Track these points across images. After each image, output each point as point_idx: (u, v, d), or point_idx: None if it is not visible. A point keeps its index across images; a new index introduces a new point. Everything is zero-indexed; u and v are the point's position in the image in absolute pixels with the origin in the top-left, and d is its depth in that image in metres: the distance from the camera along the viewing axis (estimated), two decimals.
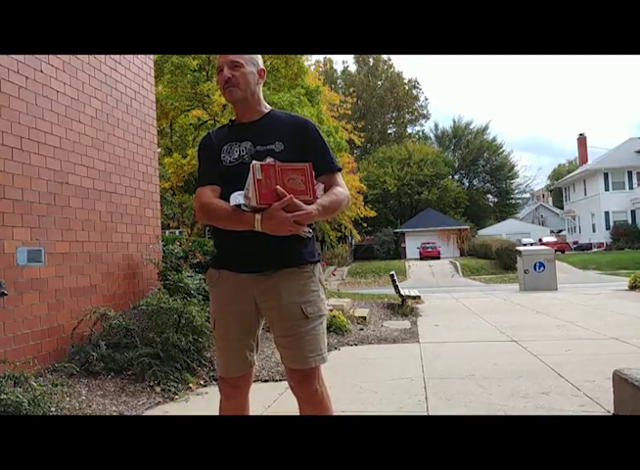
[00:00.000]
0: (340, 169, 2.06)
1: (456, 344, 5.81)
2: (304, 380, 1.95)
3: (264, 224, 1.77)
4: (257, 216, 1.77)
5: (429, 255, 36.19)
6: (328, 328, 6.41)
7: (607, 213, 35.66)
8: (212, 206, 1.92)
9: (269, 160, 1.85)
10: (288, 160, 1.87)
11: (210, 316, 2.12)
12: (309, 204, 1.79)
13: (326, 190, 1.94)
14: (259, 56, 2.06)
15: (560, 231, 46.99)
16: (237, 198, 1.84)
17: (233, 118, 2.13)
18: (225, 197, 1.92)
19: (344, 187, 2.01)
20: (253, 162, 1.78)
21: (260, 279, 1.95)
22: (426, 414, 3.28)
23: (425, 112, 55.15)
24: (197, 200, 1.99)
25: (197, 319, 4.40)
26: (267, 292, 1.95)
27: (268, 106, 2.11)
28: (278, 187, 1.74)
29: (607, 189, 36.22)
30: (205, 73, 15.03)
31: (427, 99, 72.90)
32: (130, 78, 5.78)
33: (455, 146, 53.51)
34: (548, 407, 3.31)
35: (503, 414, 3.17)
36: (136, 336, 4.38)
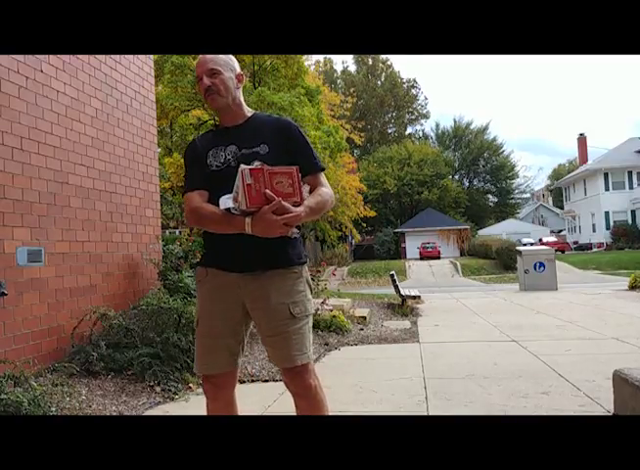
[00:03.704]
0: (323, 169, 2.11)
1: (456, 344, 5.81)
2: (297, 376, 1.98)
3: (255, 227, 1.81)
4: (247, 220, 1.81)
5: (429, 255, 36.18)
6: (328, 328, 6.44)
7: (607, 213, 35.65)
8: (203, 210, 1.96)
9: (257, 163, 1.88)
10: (273, 161, 1.90)
11: (195, 314, 2.16)
12: (297, 205, 1.83)
13: (311, 190, 1.98)
14: (235, 61, 2.11)
15: (560, 231, 46.97)
16: (226, 201, 1.86)
17: (217, 124, 2.17)
18: (213, 201, 1.96)
19: (329, 187, 2.06)
20: (243, 166, 1.80)
21: (248, 279, 1.98)
22: (426, 414, 3.27)
23: (424, 111, 55.21)
24: (186, 205, 2.03)
25: None
26: (255, 292, 1.98)
27: (250, 109, 2.15)
28: (267, 191, 1.78)
29: (607, 189, 36.20)
30: None
31: (426, 98, 72.90)
32: (130, 78, 5.78)
33: (455, 146, 53.53)
34: (548, 407, 3.31)
35: (503, 414, 3.17)
36: (136, 336, 4.37)
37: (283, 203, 1.78)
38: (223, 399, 2.11)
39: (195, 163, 2.08)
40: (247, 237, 1.85)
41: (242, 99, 2.12)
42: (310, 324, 2.05)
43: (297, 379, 1.98)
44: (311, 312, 2.06)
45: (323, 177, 2.08)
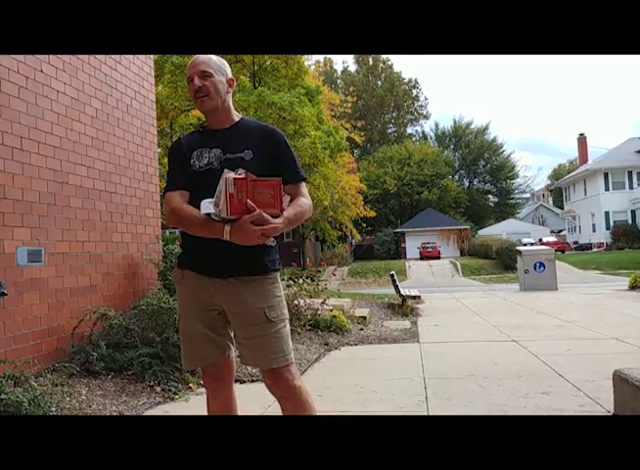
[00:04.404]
0: (305, 179, 2.14)
1: (456, 344, 5.81)
2: (280, 378, 1.99)
3: (233, 235, 1.85)
4: (227, 227, 1.85)
5: (429, 255, 36.17)
6: (328, 328, 6.44)
7: (607, 213, 35.64)
8: (183, 212, 1.99)
9: (241, 171, 1.90)
10: (257, 168, 1.93)
11: (177, 313, 2.21)
12: (276, 217, 1.87)
13: (291, 200, 2.02)
14: (228, 66, 2.13)
15: (560, 231, 46.97)
16: (208, 206, 1.89)
17: (204, 124, 2.18)
18: (193, 202, 1.98)
19: (308, 197, 2.10)
20: (227, 174, 1.84)
21: (224, 284, 2.01)
22: (426, 414, 3.27)
23: (424, 112, 55.24)
24: (167, 204, 2.05)
25: None
26: (232, 296, 2.01)
27: (238, 114, 2.17)
28: (249, 201, 1.81)
29: (607, 189, 36.20)
30: None
31: (426, 98, 72.97)
32: (130, 78, 5.78)
33: (455, 146, 53.55)
34: (548, 407, 3.31)
35: (503, 414, 3.17)
36: (136, 336, 4.37)
37: (263, 214, 1.82)
38: (223, 395, 2.14)
39: (178, 162, 2.10)
40: (224, 243, 1.88)
41: (231, 103, 2.13)
42: (288, 328, 2.07)
43: (281, 381, 1.99)
44: (287, 317, 2.09)
45: (303, 187, 2.11)
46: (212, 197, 1.87)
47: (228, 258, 1.95)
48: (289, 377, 1.99)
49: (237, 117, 2.14)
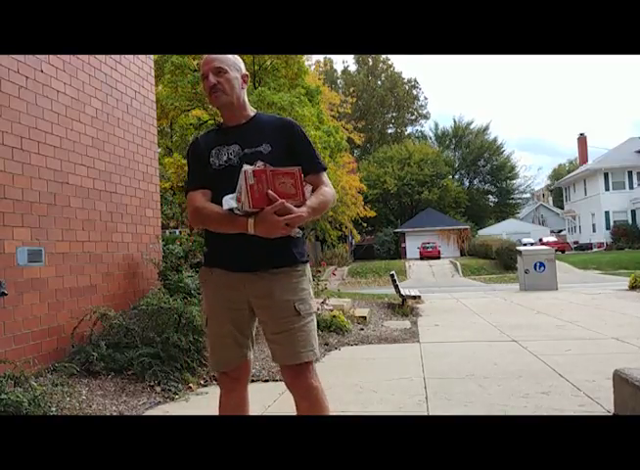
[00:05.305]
0: (325, 169, 2.12)
1: (456, 343, 5.81)
2: (299, 375, 1.99)
3: (258, 228, 1.83)
4: (250, 220, 1.83)
5: (429, 255, 36.19)
6: (328, 328, 6.44)
7: (607, 213, 35.63)
8: (206, 210, 1.97)
9: (260, 163, 1.88)
10: (276, 161, 1.92)
11: (203, 313, 2.18)
12: (299, 206, 1.85)
13: (313, 189, 2.00)
14: (242, 62, 2.12)
15: (560, 231, 46.95)
16: (229, 202, 1.87)
17: (220, 122, 2.17)
18: (216, 200, 1.96)
19: (330, 186, 2.08)
20: (245, 167, 1.82)
21: (253, 278, 1.99)
22: (426, 414, 3.27)
23: (424, 112, 55.26)
24: (190, 204, 2.03)
25: (197, 319, 4.40)
26: (260, 290, 1.99)
27: (253, 109, 2.16)
28: (270, 192, 1.79)
29: (607, 189, 36.19)
30: None
31: (426, 98, 72.91)
32: (130, 78, 5.78)
33: (456, 146, 53.55)
34: (548, 407, 3.31)
35: (503, 414, 3.17)
36: (136, 336, 4.37)
37: (285, 204, 1.80)
38: (237, 395, 2.14)
39: (197, 161, 2.09)
40: (250, 237, 1.86)
41: (246, 99, 2.12)
42: (315, 322, 2.06)
43: (300, 378, 1.98)
44: (315, 310, 2.08)
45: (325, 176, 2.09)
46: (234, 193, 1.86)
47: (255, 250, 1.94)
48: (308, 375, 1.98)
49: (252, 112, 2.13)
